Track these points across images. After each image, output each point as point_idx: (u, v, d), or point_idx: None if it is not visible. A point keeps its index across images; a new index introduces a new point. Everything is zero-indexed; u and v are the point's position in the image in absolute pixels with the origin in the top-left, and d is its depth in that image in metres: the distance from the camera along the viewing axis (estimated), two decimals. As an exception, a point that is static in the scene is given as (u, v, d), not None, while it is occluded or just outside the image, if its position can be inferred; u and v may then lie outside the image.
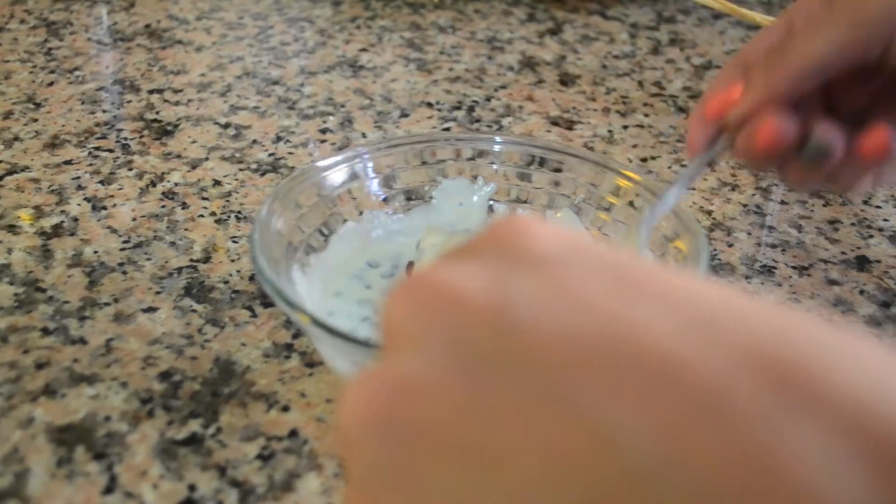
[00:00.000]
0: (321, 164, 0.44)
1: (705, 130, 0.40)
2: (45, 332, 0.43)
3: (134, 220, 0.52)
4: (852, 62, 0.37)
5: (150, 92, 0.68)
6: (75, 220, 0.52)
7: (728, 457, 0.15)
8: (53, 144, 0.60)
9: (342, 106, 0.67)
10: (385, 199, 0.47)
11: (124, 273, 0.47)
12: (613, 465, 0.15)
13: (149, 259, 0.48)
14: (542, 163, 0.47)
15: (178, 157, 0.59)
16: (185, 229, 0.51)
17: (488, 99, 0.69)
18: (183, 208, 0.53)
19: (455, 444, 0.17)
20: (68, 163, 0.58)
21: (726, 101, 0.39)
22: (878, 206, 0.57)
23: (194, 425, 0.38)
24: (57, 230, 0.51)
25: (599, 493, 0.15)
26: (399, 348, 0.19)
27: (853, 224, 0.55)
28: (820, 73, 0.38)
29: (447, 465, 0.17)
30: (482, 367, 0.18)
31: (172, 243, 0.50)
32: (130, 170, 0.57)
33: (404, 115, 0.66)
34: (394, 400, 0.18)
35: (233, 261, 0.49)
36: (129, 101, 0.67)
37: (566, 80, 0.73)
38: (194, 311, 0.45)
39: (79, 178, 0.56)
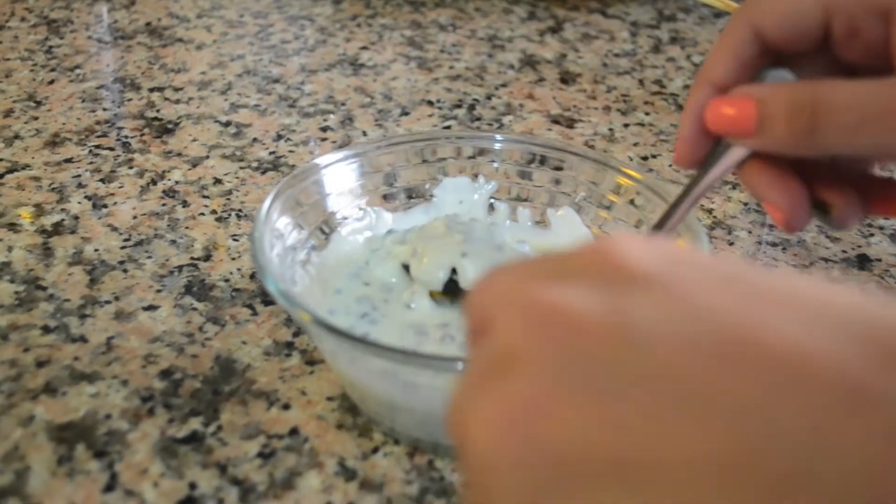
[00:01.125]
0: (322, 162, 0.44)
1: (701, 143, 0.34)
2: (46, 330, 0.43)
3: (134, 218, 0.52)
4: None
5: (151, 90, 0.68)
6: (76, 218, 0.52)
7: (879, 442, 0.15)
8: (54, 142, 0.60)
9: (343, 104, 0.67)
10: (386, 198, 0.46)
11: (125, 271, 0.47)
12: (779, 462, 0.16)
13: (149, 257, 0.48)
14: (542, 161, 0.47)
15: (179, 155, 0.59)
16: (186, 227, 0.51)
17: (489, 97, 0.69)
18: (183, 206, 0.53)
19: (602, 463, 0.17)
20: (69, 161, 0.58)
21: (731, 116, 0.32)
22: (879, 205, 0.57)
23: (195, 423, 0.38)
24: (57, 228, 0.51)
25: (770, 492, 0.16)
26: (516, 370, 0.19)
27: (854, 222, 0.55)
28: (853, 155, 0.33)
29: (598, 485, 0.17)
30: (614, 385, 0.18)
31: (173, 241, 0.50)
32: (131, 168, 0.57)
33: (405, 113, 0.66)
34: (530, 423, 0.18)
35: (233, 259, 0.49)
36: (130, 100, 0.67)
37: (567, 79, 0.73)
38: (195, 309, 0.45)
39: (79, 176, 0.56)
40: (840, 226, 0.34)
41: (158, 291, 0.46)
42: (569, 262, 0.21)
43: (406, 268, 0.42)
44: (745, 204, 0.56)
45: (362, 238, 0.45)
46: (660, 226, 0.36)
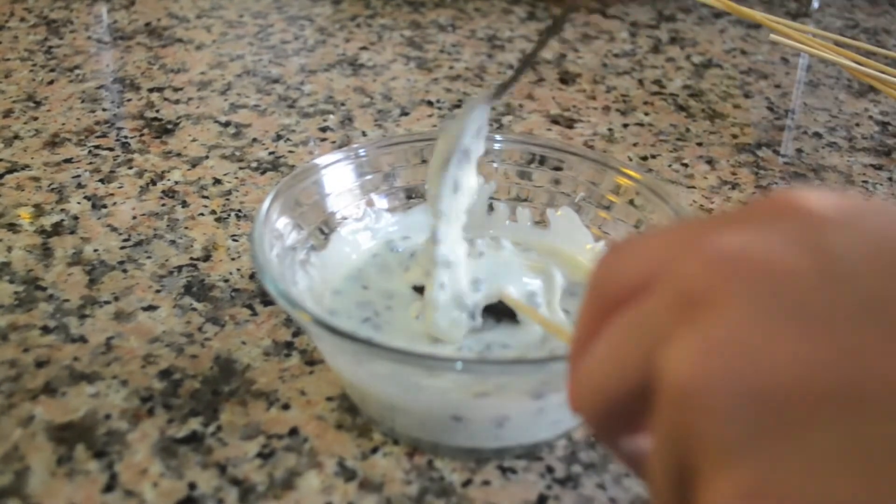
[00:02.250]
0: (321, 162, 0.44)
1: None
2: (46, 330, 0.43)
3: (134, 218, 0.52)
4: None
5: (151, 90, 0.68)
6: (75, 218, 0.52)
7: None
8: (53, 143, 0.60)
9: (342, 104, 0.67)
10: (385, 198, 0.46)
11: (124, 271, 0.47)
12: None
13: (149, 257, 0.48)
14: (542, 161, 0.47)
15: (179, 155, 0.59)
16: (186, 228, 0.51)
17: (488, 97, 0.69)
18: (183, 207, 0.53)
19: (825, 394, 0.17)
20: (68, 161, 0.58)
21: None
22: (879, 205, 0.57)
23: (194, 424, 0.38)
24: (57, 228, 0.51)
25: None
26: (708, 312, 0.18)
27: (853, 222, 0.55)
28: None
29: (826, 416, 0.17)
30: (824, 317, 0.17)
31: (172, 242, 0.50)
32: (130, 168, 0.57)
33: (404, 113, 0.66)
34: (741, 357, 0.17)
35: (233, 259, 0.49)
36: (130, 100, 0.67)
37: (566, 79, 0.73)
38: (194, 309, 0.45)
39: (79, 176, 0.56)
40: None
41: (158, 292, 0.46)
42: (741, 214, 0.20)
43: (418, 289, 0.42)
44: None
45: (361, 238, 0.45)
46: (506, 85, 0.38)
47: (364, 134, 0.63)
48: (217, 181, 0.56)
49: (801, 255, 0.18)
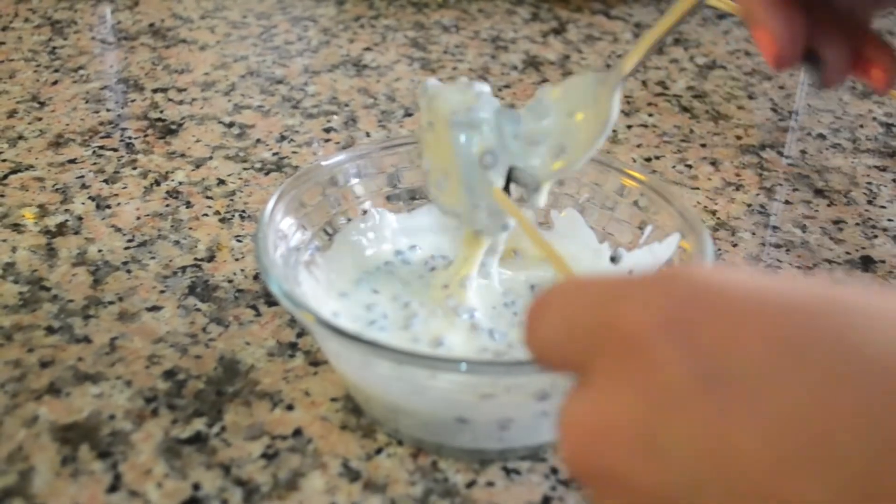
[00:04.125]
0: (325, 163, 0.44)
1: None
2: (50, 330, 0.43)
3: (138, 218, 0.52)
4: None
5: (154, 91, 0.68)
6: (80, 218, 0.52)
7: None
8: (58, 143, 0.60)
9: (346, 105, 0.67)
10: (389, 199, 0.46)
11: (128, 272, 0.47)
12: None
13: (153, 258, 0.48)
14: (546, 162, 0.47)
15: (183, 156, 0.59)
16: (190, 228, 0.51)
17: (492, 98, 0.69)
18: (187, 207, 0.53)
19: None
20: (72, 162, 0.58)
21: None
22: (883, 206, 0.57)
23: (198, 424, 0.38)
24: (61, 229, 0.51)
25: None
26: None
27: (857, 224, 0.55)
28: None
29: None
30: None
31: (177, 242, 0.50)
32: (135, 169, 0.57)
33: (408, 114, 0.66)
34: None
35: (237, 260, 0.49)
36: (133, 100, 0.67)
37: (570, 80, 0.73)
38: (198, 309, 0.45)
39: (83, 176, 0.56)
40: (827, 83, 0.34)
41: (162, 292, 0.46)
42: (635, 288, 0.22)
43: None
44: (749, 206, 0.56)
45: (365, 239, 0.45)
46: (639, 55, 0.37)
47: (368, 135, 0.63)
48: (221, 182, 0.56)
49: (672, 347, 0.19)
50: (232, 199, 0.54)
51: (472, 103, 0.39)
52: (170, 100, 0.67)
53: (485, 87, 0.40)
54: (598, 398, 0.21)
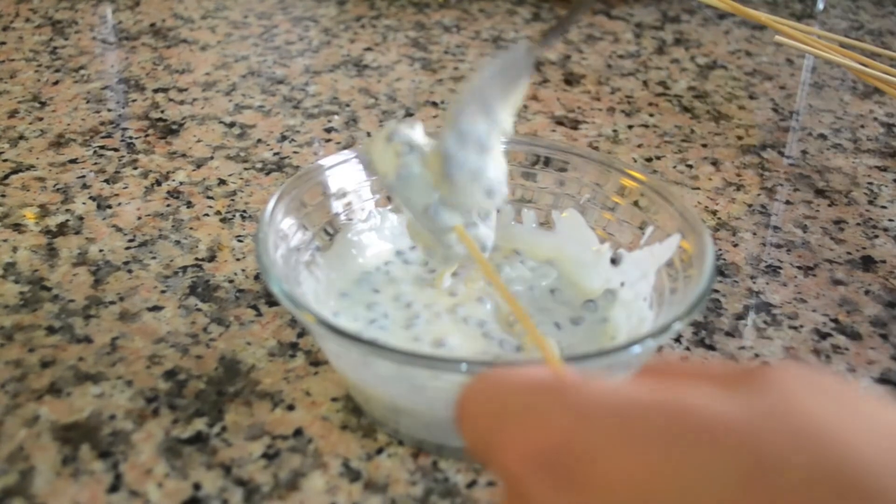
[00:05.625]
0: (326, 163, 0.44)
1: None
2: (51, 330, 0.43)
3: (139, 218, 0.52)
4: None
5: (155, 91, 0.68)
6: (80, 218, 0.52)
7: None
8: (59, 143, 0.60)
9: (347, 105, 0.67)
10: (390, 199, 0.46)
11: (129, 272, 0.47)
12: None
13: (154, 258, 0.48)
14: (546, 162, 0.47)
15: (183, 156, 0.59)
16: (191, 228, 0.51)
17: (493, 98, 0.69)
18: (188, 207, 0.53)
19: None
20: (73, 161, 0.58)
21: None
22: (884, 207, 0.57)
23: (199, 424, 0.38)
24: (62, 229, 0.51)
25: None
26: None
27: (858, 224, 0.55)
28: None
29: None
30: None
31: (177, 242, 0.50)
32: (135, 169, 0.57)
33: (409, 114, 0.66)
34: None
35: (238, 260, 0.49)
36: (134, 100, 0.67)
37: (571, 80, 0.73)
38: (199, 309, 0.45)
39: (84, 176, 0.56)
40: None
41: (163, 292, 0.46)
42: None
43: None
44: (750, 206, 0.56)
45: (366, 239, 0.45)
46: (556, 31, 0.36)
47: (369, 135, 0.63)
48: (222, 182, 0.56)
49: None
50: (233, 199, 0.54)
51: (398, 161, 0.38)
52: (171, 100, 0.67)
53: (402, 133, 0.38)
54: None
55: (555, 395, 0.21)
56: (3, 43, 0.76)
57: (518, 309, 0.33)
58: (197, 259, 0.49)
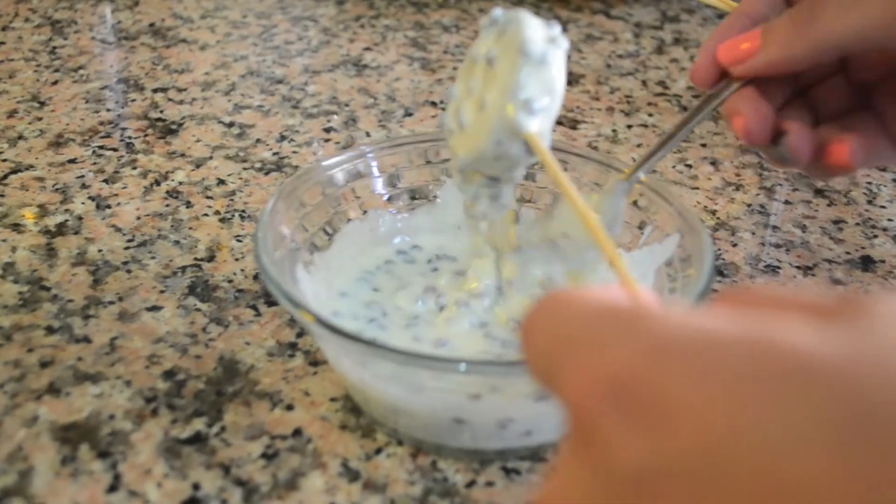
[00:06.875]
0: (325, 163, 0.44)
1: (713, 69, 0.39)
2: (50, 330, 0.43)
3: (138, 218, 0.52)
4: (881, 43, 0.35)
5: (155, 91, 0.68)
6: (79, 218, 0.52)
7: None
8: (58, 143, 0.60)
9: (346, 105, 0.67)
10: (389, 199, 0.46)
11: (128, 272, 0.47)
12: None
13: (153, 258, 0.48)
14: (546, 162, 0.47)
15: (183, 155, 0.59)
16: (190, 228, 0.51)
17: (492, 98, 0.69)
18: (187, 207, 0.53)
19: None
20: (72, 161, 0.58)
21: (739, 47, 0.38)
22: (883, 206, 0.57)
23: (198, 424, 0.38)
24: (61, 229, 0.51)
25: None
26: None
27: (857, 224, 0.55)
28: (846, 47, 0.36)
29: None
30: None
31: (176, 242, 0.50)
32: (135, 168, 0.57)
33: (408, 114, 0.66)
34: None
35: (237, 260, 0.49)
36: (134, 100, 0.67)
37: (570, 80, 0.73)
38: (198, 309, 0.45)
39: (83, 176, 0.56)
40: (791, 155, 0.37)
41: (162, 292, 0.46)
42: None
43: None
44: (749, 205, 0.56)
45: (365, 239, 0.45)
46: (654, 152, 0.40)
47: (368, 135, 0.63)
48: (221, 182, 0.56)
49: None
50: (232, 199, 0.54)
51: (554, 38, 0.37)
52: (170, 100, 0.67)
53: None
54: (558, 482, 0.19)
55: (629, 322, 0.19)
56: (3, 43, 0.76)
57: (589, 219, 0.30)
58: (196, 259, 0.49)
